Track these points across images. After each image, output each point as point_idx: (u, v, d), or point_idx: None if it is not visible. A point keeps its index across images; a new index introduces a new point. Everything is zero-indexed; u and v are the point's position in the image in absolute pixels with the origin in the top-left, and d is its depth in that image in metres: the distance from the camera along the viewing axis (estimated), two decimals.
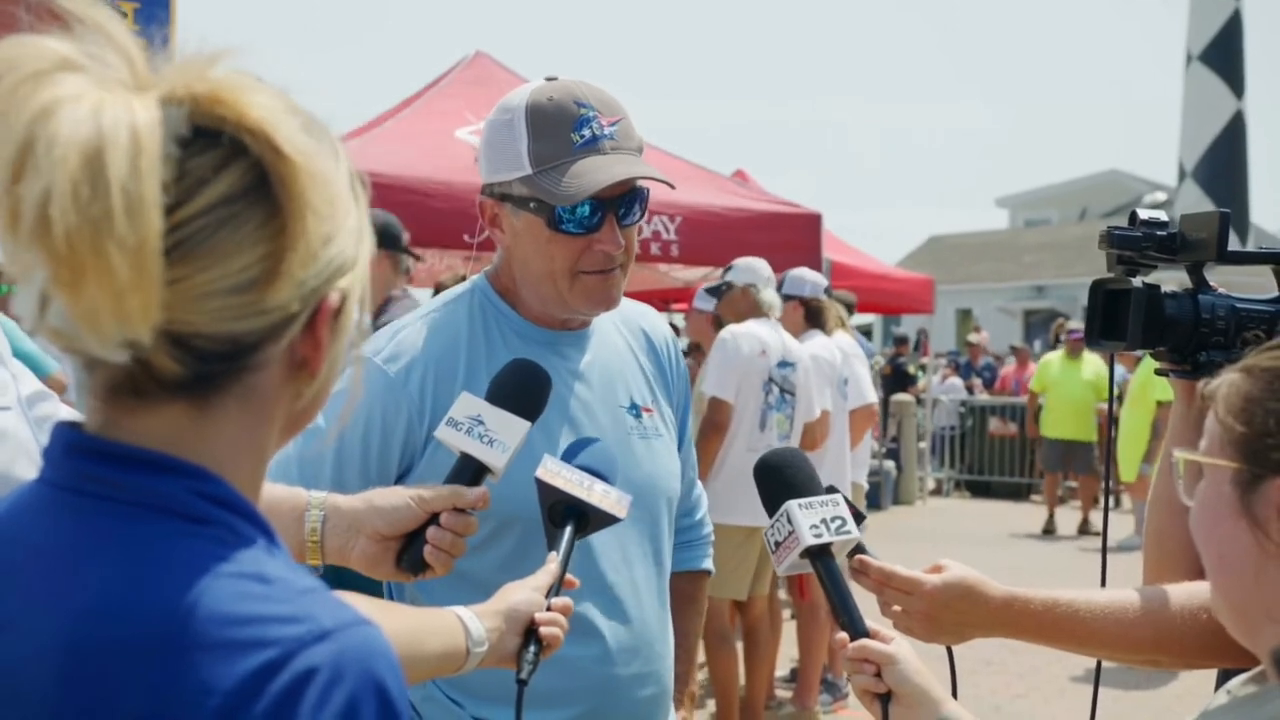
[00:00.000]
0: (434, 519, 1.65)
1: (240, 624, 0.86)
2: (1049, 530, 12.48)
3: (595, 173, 1.95)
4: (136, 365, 0.89)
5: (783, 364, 5.68)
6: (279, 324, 0.92)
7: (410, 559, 1.65)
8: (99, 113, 0.83)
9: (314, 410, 1.02)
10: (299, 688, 0.84)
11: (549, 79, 2.05)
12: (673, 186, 2.04)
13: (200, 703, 0.83)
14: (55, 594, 0.88)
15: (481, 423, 1.68)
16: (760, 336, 5.67)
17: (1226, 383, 1.28)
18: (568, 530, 1.66)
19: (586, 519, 1.67)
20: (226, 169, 0.88)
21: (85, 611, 0.87)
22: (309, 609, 0.88)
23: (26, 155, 0.83)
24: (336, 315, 0.96)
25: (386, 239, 4.71)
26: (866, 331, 15.25)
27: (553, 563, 1.63)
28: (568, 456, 1.72)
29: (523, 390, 1.75)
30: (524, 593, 1.59)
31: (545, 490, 1.66)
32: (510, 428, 1.68)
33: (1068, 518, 12.79)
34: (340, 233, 0.94)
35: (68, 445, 0.94)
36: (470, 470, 1.68)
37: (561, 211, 1.97)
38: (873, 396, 6.73)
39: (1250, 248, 1.78)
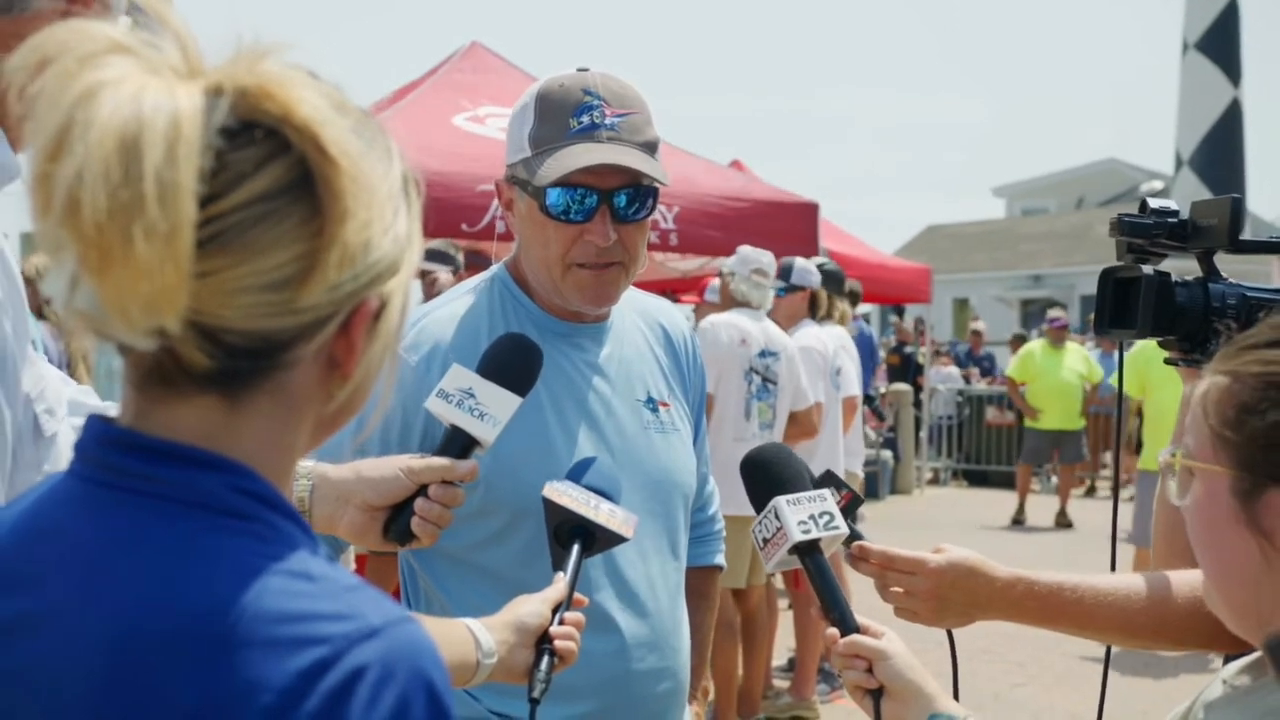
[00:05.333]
0: (422, 490, 1.65)
1: (289, 621, 0.85)
2: (1019, 521, 12.33)
3: (577, 156, 1.93)
4: (166, 355, 0.88)
5: (765, 353, 5.68)
6: (312, 324, 0.91)
7: (397, 529, 1.66)
8: (140, 98, 0.82)
9: (347, 413, 1.01)
10: (350, 686, 0.84)
11: (580, 70, 2.04)
12: (662, 184, 2.02)
13: (251, 700, 0.83)
14: (97, 589, 0.87)
15: (472, 395, 1.68)
16: (740, 326, 5.68)
17: (1214, 388, 1.25)
18: (575, 550, 1.65)
19: (593, 538, 1.67)
20: (269, 164, 0.87)
21: (131, 607, 0.86)
22: (356, 606, 0.88)
23: (65, 136, 0.82)
24: (375, 319, 0.95)
25: None
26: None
27: (561, 580, 1.62)
28: (573, 475, 1.71)
29: (514, 365, 1.74)
30: (532, 605, 1.58)
31: (552, 509, 1.65)
32: (501, 402, 1.68)
33: (1078, 507, 12.67)
34: (384, 238, 0.93)
35: (101, 438, 0.93)
36: (460, 443, 1.68)
37: (553, 196, 1.95)
38: (857, 389, 6.73)
39: (1247, 236, 1.76)
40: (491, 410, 1.67)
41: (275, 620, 0.85)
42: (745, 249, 5.94)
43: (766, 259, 5.89)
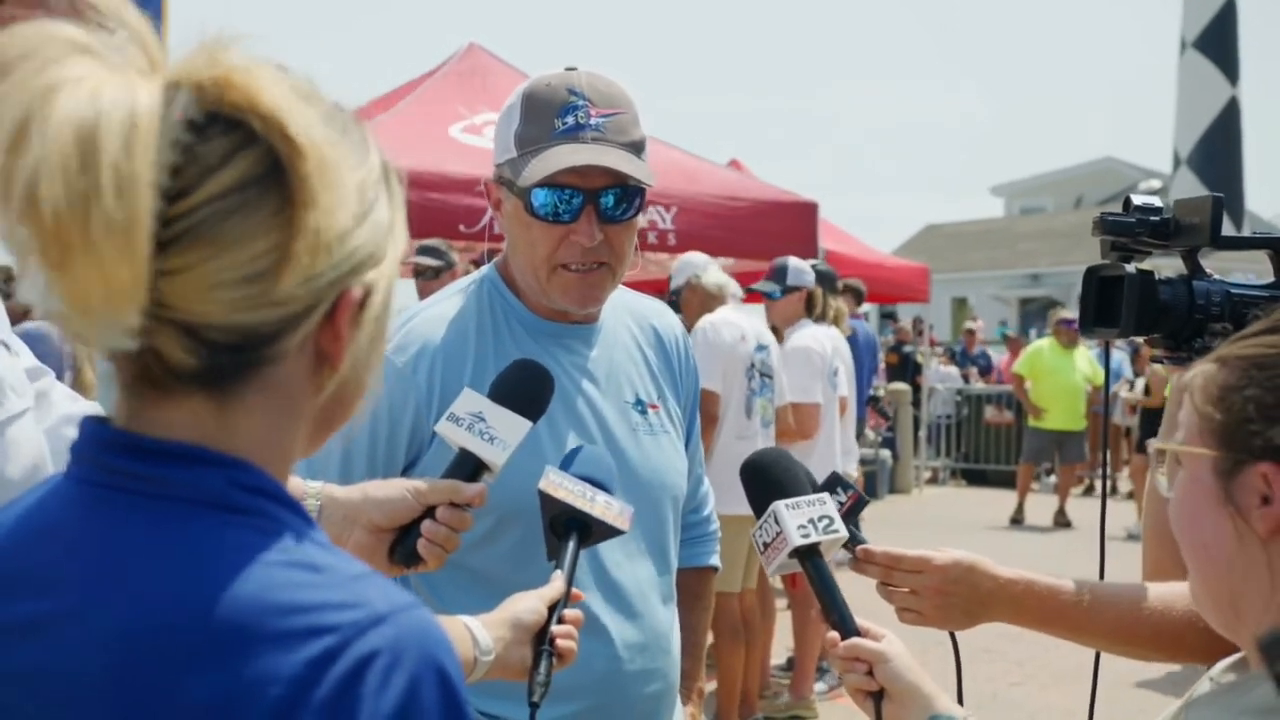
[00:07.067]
0: (430, 512, 1.64)
1: (297, 612, 0.85)
2: (1017, 520, 12.33)
3: (561, 158, 1.93)
4: (150, 356, 0.88)
5: (759, 347, 5.71)
6: (294, 316, 0.90)
7: (403, 552, 1.64)
8: (98, 94, 0.82)
9: (345, 406, 1.01)
10: (360, 672, 0.85)
11: (568, 69, 2.03)
12: (647, 185, 2.00)
13: (262, 692, 0.83)
14: (103, 590, 0.87)
15: (483, 419, 1.67)
16: (736, 322, 5.69)
17: (1201, 374, 1.27)
18: (571, 543, 1.65)
19: (589, 530, 1.66)
20: (238, 156, 0.87)
21: (137, 606, 0.86)
22: (363, 594, 0.88)
23: (23, 133, 0.82)
24: (360, 309, 0.94)
25: None
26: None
27: (558, 578, 1.61)
28: (566, 465, 1.71)
29: (525, 390, 1.73)
30: (529, 601, 1.58)
31: (548, 502, 1.65)
32: (511, 426, 1.68)
33: (1076, 506, 12.67)
34: (362, 225, 0.93)
35: (97, 440, 0.93)
36: (469, 466, 1.67)
37: (539, 196, 1.95)
38: (848, 390, 6.73)
39: (1245, 233, 1.77)
40: (501, 435, 1.66)
41: (282, 612, 0.85)
42: (680, 260, 6.08)
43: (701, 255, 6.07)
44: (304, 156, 0.87)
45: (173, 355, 0.88)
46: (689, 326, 5.80)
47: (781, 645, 6.83)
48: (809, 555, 1.66)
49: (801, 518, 1.66)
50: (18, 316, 4.88)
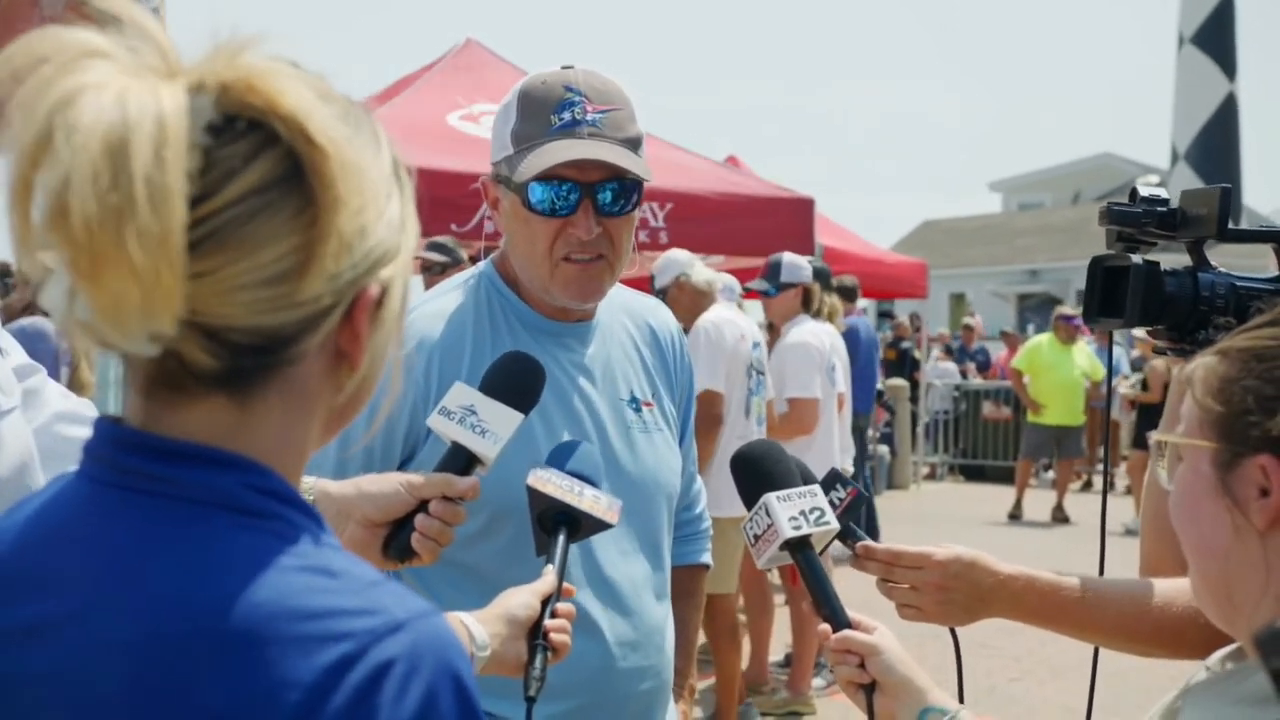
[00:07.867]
0: (423, 506, 1.63)
1: (314, 618, 0.85)
2: (1015, 516, 12.36)
3: (558, 152, 1.93)
4: (170, 358, 0.87)
5: (754, 345, 5.69)
6: (315, 316, 0.90)
7: (397, 546, 1.64)
8: (123, 100, 0.81)
9: (357, 404, 1.00)
10: (377, 680, 0.84)
11: (564, 68, 2.04)
12: (644, 179, 2.01)
13: (280, 697, 0.82)
14: (118, 592, 0.87)
15: (474, 413, 1.67)
16: (736, 322, 5.67)
17: (1202, 366, 1.28)
18: (560, 538, 1.64)
19: (578, 525, 1.66)
20: (258, 158, 0.86)
21: (153, 609, 0.85)
22: (380, 601, 0.88)
23: (46, 143, 0.81)
24: (377, 307, 0.94)
25: None
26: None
27: (550, 573, 1.61)
28: (555, 460, 1.71)
29: (517, 382, 1.73)
30: (522, 596, 1.58)
31: (536, 498, 1.65)
32: (503, 419, 1.67)
33: (1074, 502, 12.70)
34: (379, 223, 0.92)
35: (113, 440, 0.93)
36: (461, 460, 1.67)
37: (536, 191, 1.96)
38: (845, 386, 6.72)
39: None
40: (493, 427, 1.66)
41: (299, 618, 0.85)
42: (663, 259, 5.94)
43: (683, 252, 6.03)
44: (326, 157, 0.87)
45: (194, 358, 0.87)
46: (682, 325, 5.73)
47: (780, 642, 6.82)
48: (800, 547, 1.66)
49: (793, 509, 1.66)
50: (15, 313, 4.86)
